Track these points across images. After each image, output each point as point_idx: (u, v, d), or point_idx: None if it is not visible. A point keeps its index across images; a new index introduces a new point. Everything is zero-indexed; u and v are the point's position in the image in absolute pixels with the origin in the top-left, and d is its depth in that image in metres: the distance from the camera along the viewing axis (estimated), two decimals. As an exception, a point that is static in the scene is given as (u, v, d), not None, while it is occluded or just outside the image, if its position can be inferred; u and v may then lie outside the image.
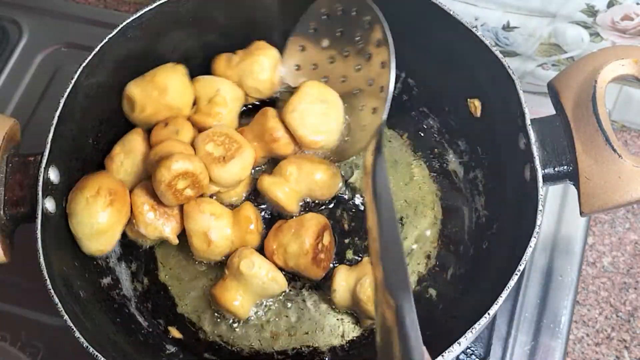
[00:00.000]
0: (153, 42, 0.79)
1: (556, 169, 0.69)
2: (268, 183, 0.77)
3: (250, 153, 0.75)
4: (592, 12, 0.87)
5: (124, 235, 0.76)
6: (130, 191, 0.75)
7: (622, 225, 0.93)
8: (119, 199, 0.73)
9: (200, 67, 0.85)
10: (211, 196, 0.77)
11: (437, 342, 0.64)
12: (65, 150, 0.73)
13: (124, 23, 0.75)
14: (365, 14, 0.74)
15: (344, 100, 0.78)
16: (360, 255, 0.79)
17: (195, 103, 0.79)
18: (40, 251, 0.66)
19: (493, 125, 0.76)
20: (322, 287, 0.77)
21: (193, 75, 0.80)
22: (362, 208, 0.80)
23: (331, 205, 0.81)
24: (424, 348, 0.48)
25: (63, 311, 0.64)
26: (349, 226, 0.80)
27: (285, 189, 0.76)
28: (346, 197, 0.81)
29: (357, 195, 0.81)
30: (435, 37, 0.78)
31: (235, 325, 0.76)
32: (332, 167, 0.78)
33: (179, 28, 0.80)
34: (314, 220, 0.75)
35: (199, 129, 0.77)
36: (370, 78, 0.75)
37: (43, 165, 0.69)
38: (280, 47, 0.81)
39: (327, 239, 0.76)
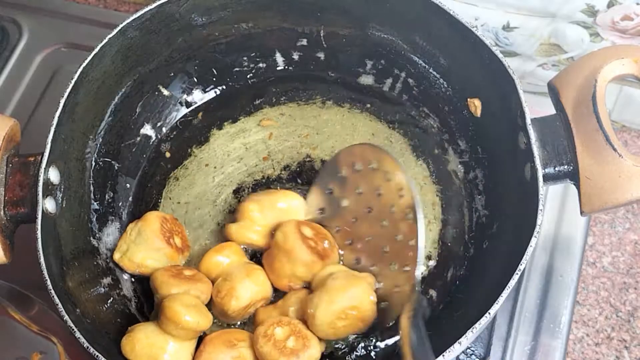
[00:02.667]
0: (153, 42, 0.80)
1: (556, 169, 0.69)
2: (236, 230, 0.75)
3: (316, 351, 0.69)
4: (592, 12, 0.87)
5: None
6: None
7: (622, 225, 0.93)
8: None
9: (200, 67, 0.85)
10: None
11: (438, 341, 0.64)
12: (66, 150, 0.73)
13: (124, 23, 0.75)
14: (386, 166, 0.72)
15: (373, 260, 0.74)
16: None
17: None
18: (41, 251, 0.66)
19: (493, 124, 0.76)
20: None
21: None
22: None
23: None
24: None
25: (64, 311, 0.64)
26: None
27: (255, 228, 0.75)
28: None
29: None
30: (436, 37, 0.78)
31: (235, 326, 0.76)
32: (291, 193, 0.77)
33: (179, 28, 0.80)
34: (289, 236, 0.72)
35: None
36: (397, 233, 0.71)
37: (43, 165, 0.69)
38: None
39: (308, 231, 0.74)
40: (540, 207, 0.66)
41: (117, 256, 0.76)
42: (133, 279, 0.79)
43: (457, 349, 0.62)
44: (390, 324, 0.71)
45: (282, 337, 0.68)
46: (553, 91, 0.72)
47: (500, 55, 0.71)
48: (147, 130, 0.85)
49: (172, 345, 0.69)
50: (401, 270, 0.70)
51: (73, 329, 0.64)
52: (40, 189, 0.68)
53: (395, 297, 0.70)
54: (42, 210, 0.68)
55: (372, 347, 0.74)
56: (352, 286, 0.68)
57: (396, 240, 0.71)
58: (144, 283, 0.79)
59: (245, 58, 0.86)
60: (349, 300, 0.68)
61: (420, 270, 0.67)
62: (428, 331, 0.74)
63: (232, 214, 0.81)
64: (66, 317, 0.64)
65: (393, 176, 0.72)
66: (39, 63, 1.02)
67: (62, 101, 0.71)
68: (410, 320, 0.63)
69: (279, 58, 0.87)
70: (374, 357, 0.74)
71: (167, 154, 0.85)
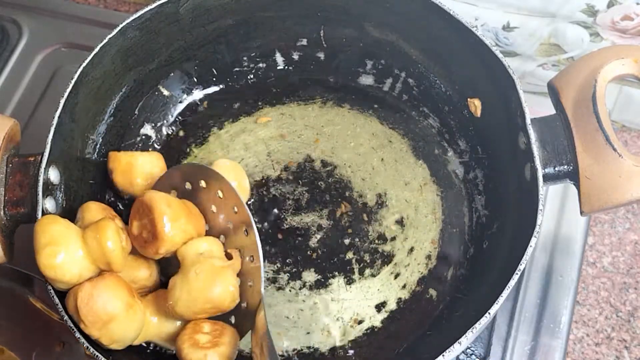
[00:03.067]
0: (153, 42, 0.80)
1: (556, 169, 0.69)
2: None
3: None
4: (592, 12, 0.87)
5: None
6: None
7: (622, 225, 0.93)
8: None
9: (200, 67, 0.85)
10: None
11: (438, 341, 0.64)
12: (66, 150, 0.73)
13: (124, 23, 0.75)
14: (216, 185, 0.70)
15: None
16: (363, 260, 0.79)
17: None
18: (41, 251, 0.66)
19: (493, 125, 0.76)
20: (322, 287, 0.77)
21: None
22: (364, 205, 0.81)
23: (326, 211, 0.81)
24: None
25: (64, 311, 0.64)
26: (348, 223, 0.80)
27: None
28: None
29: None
30: (436, 37, 0.78)
31: (235, 325, 0.77)
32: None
33: (179, 28, 0.80)
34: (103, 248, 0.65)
35: None
36: (239, 246, 0.70)
37: (43, 165, 0.69)
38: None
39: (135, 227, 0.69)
40: (540, 207, 0.66)
41: None
42: (133, 279, 0.79)
43: (457, 349, 0.62)
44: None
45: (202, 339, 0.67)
46: (553, 91, 0.72)
47: (500, 55, 0.71)
48: (147, 130, 0.85)
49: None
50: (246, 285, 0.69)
51: (72, 329, 0.64)
52: (40, 189, 0.68)
53: (249, 294, 0.69)
54: (42, 210, 0.68)
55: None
56: (213, 286, 0.66)
57: (241, 255, 0.70)
58: (144, 283, 0.79)
59: (245, 58, 0.87)
60: (209, 302, 0.66)
61: (263, 287, 0.66)
62: (428, 331, 0.75)
63: (232, 214, 0.81)
64: (66, 318, 0.64)
65: (225, 193, 0.70)
66: (39, 63, 1.02)
67: (62, 101, 0.71)
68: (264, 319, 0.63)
69: (279, 58, 0.87)
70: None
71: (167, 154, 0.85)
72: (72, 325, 0.64)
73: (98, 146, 0.79)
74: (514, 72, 0.71)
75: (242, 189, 0.79)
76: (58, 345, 0.70)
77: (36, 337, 0.72)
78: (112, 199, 0.80)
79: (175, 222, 0.67)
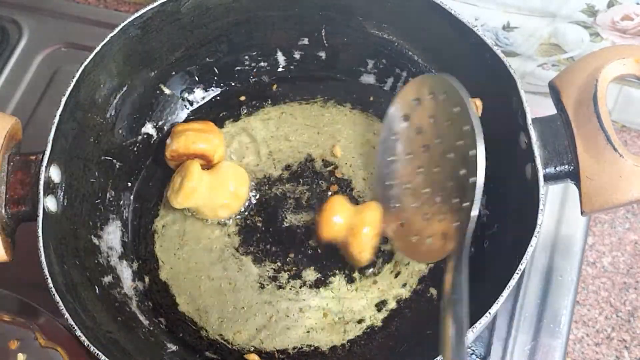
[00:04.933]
0: (154, 42, 0.80)
1: (557, 168, 0.69)
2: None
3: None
4: (592, 12, 0.87)
5: (126, 233, 0.76)
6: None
7: (622, 225, 0.93)
8: None
9: (200, 67, 0.85)
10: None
11: (438, 341, 0.64)
12: (67, 149, 0.73)
13: (126, 22, 0.75)
14: (453, 98, 0.69)
15: (436, 193, 0.71)
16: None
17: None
18: (42, 250, 0.66)
19: (494, 124, 0.76)
20: (322, 286, 0.78)
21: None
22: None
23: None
24: None
25: (64, 309, 0.64)
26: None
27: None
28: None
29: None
30: (437, 36, 0.78)
31: (236, 324, 0.76)
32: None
33: (180, 27, 0.80)
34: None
35: None
36: (459, 168, 0.69)
37: (44, 164, 0.69)
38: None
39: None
40: (541, 207, 0.66)
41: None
42: (134, 278, 0.79)
43: (457, 348, 0.62)
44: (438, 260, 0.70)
45: None
46: (554, 91, 0.72)
47: (501, 55, 0.71)
48: (149, 129, 0.85)
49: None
50: (450, 207, 0.69)
51: (73, 327, 0.64)
52: (41, 187, 0.68)
53: (434, 239, 0.70)
54: (43, 208, 0.68)
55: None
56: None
57: (458, 176, 0.68)
58: (144, 282, 0.79)
59: (246, 57, 0.87)
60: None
61: (477, 209, 0.65)
62: (428, 331, 0.75)
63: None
64: (67, 315, 0.64)
65: (460, 112, 0.69)
66: (39, 63, 1.02)
67: (64, 100, 0.71)
68: (457, 259, 0.64)
69: (281, 57, 0.87)
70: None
71: (168, 153, 0.85)
72: (73, 323, 0.64)
73: (99, 145, 0.79)
74: (515, 72, 0.71)
75: (238, 195, 0.80)
76: (13, 343, 0.71)
77: None
78: (112, 198, 0.81)
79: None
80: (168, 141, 0.80)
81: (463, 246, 0.65)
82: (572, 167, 0.69)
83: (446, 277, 0.64)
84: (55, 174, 0.71)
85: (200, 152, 0.79)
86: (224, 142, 0.82)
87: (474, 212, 0.65)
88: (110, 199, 0.80)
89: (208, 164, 0.80)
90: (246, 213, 0.81)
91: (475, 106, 0.78)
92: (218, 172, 0.79)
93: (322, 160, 0.84)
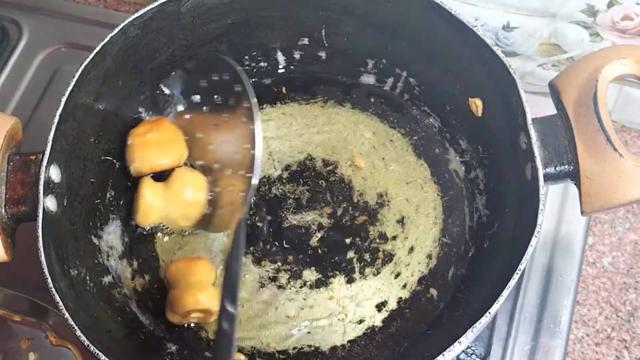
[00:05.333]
0: (154, 42, 0.80)
1: (557, 168, 0.69)
2: None
3: None
4: (592, 12, 0.87)
5: (126, 233, 0.77)
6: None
7: (622, 225, 0.93)
8: None
9: (200, 66, 0.85)
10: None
11: (438, 341, 0.64)
12: (67, 149, 0.73)
13: (126, 22, 0.75)
14: (235, 78, 0.74)
15: (226, 167, 0.76)
16: (363, 259, 0.79)
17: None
18: (42, 250, 0.66)
19: (494, 124, 0.76)
20: (322, 286, 0.78)
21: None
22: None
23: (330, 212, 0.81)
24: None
25: (64, 309, 0.64)
26: (349, 223, 0.80)
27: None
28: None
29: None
30: (437, 36, 0.78)
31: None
32: None
33: (180, 27, 0.80)
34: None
35: None
36: (245, 144, 0.73)
37: (44, 164, 0.69)
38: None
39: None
40: (541, 207, 0.66)
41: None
42: (133, 278, 0.79)
43: (457, 348, 0.62)
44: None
45: None
46: (554, 91, 0.72)
47: (501, 55, 0.71)
48: (149, 129, 0.84)
49: None
50: (244, 176, 0.72)
51: (73, 327, 0.64)
52: (41, 187, 0.68)
53: (228, 211, 0.75)
54: (43, 208, 0.68)
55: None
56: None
57: (244, 149, 0.73)
58: (144, 281, 0.79)
59: (246, 57, 0.86)
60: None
61: (257, 178, 0.71)
62: (428, 331, 0.75)
63: (232, 213, 0.82)
64: (67, 315, 0.64)
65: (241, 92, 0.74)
66: (39, 63, 1.01)
67: (64, 100, 0.71)
68: (238, 223, 0.69)
69: (280, 57, 0.87)
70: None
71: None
72: (73, 324, 0.64)
73: (100, 144, 0.79)
74: (515, 72, 0.71)
75: (194, 204, 0.77)
76: (23, 342, 0.72)
77: (0, 341, 0.75)
78: (112, 198, 0.80)
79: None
80: (127, 156, 0.78)
81: (246, 210, 0.72)
82: (572, 167, 0.69)
83: (228, 240, 0.70)
84: (55, 174, 0.71)
85: (165, 167, 0.78)
86: (183, 141, 0.80)
87: (255, 181, 0.70)
88: (110, 199, 0.80)
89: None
90: (247, 213, 0.81)
91: (476, 106, 0.79)
92: (173, 182, 0.76)
93: (322, 160, 0.84)
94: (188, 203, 0.76)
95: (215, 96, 0.77)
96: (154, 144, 0.78)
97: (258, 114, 0.72)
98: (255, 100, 0.72)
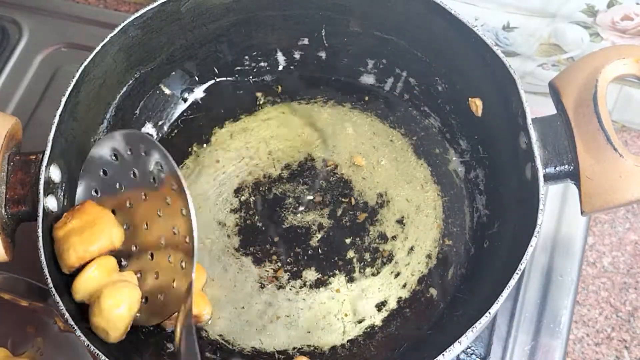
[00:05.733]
0: (154, 41, 0.80)
1: (557, 168, 0.69)
2: None
3: None
4: (592, 12, 0.87)
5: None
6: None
7: (622, 225, 0.93)
8: None
9: (201, 66, 0.85)
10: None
11: (438, 341, 0.64)
12: (67, 149, 0.73)
13: (126, 22, 0.75)
14: (154, 155, 0.68)
15: (151, 249, 0.70)
16: (363, 259, 0.79)
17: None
18: (42, 250, 0.66)
19: (494, 124, 0.76)
20: (322, 286, 0.78)
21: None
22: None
23: (327, 210, 0.81)
24: None
25: (64, 309, 0.64)
26: (349, 222, 0.80)
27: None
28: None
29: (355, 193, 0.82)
30: (437, 36, 0.78)
31: (236, 324, 0.76)
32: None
33: (180, 27, 0.80)
34: None
35: None
36: (173, 225, 0.68)
37: (44, 163, 0.69)
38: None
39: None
40: (541, 207, 0.66)
41: None
42: (134, 278, 0.79)
43: (457, 348, 0.62)
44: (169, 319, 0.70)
45: None
46: (554, 91, 0.72)
47: (501, 55, 0.71)
48: (149, 129, 0.85)
49: None
50: (179, 265, 0.68)
51: (73, 327, 0.64)
52: (41, 187, 0.68)
53: (172, 294, 0.68)
54: (44, 208, 0.68)
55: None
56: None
57: (174, 234, 0.68)
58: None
59: (246, 57, 0.87)
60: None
61: (193, 274, 0.64)
62: (428, 331, 0.75)
63: (233, 213, 0.81)
64: (67, 316, 0.64)
65: (164, 169, 0.68)
66: (39, 63, 1.01)
67: (64, 100, 0.71)
68: (185, 328, 0.63)
69: (280, 57, 0.87)
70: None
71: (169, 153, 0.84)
72: (72, 323, 0.64)
73: (99, 145, 0.79)
74: (515, 72, 0.71)
75: (123, 319, 0.68)
76: (30, 328, 0.72)
77: (8, 326, 0.75)
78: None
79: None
80: (56, 251, 0.69)
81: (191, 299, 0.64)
82: (572, 167, 0.69)
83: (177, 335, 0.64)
84: (55, 173, 0.71)
85: (96, 254, 0.69)
86: (113, 220, 0.72)
87: (194, 275, 0.64)
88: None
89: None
90: (246, 213, 0.81)
91: (475, 106, 0.79)
92: (103, 301, 0.67)
93: (322, 160, 0.84)
94: (118, 318, 0.67)
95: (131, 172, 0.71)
96: (76, 233, 0.68)
97: (190, 200, 0.65)
98: (183, 180, 0.66)
